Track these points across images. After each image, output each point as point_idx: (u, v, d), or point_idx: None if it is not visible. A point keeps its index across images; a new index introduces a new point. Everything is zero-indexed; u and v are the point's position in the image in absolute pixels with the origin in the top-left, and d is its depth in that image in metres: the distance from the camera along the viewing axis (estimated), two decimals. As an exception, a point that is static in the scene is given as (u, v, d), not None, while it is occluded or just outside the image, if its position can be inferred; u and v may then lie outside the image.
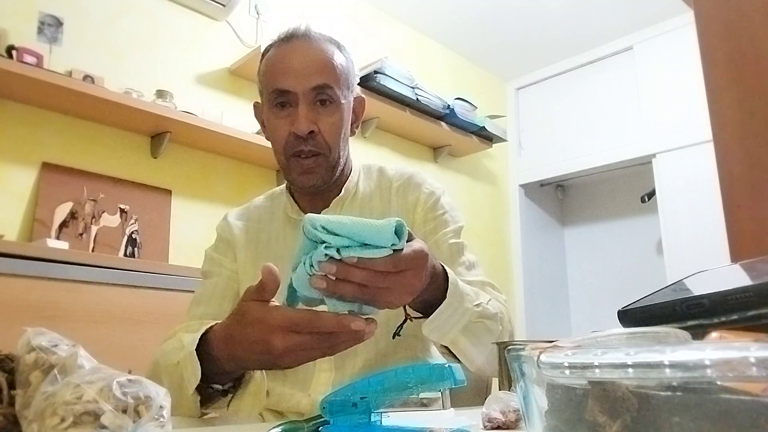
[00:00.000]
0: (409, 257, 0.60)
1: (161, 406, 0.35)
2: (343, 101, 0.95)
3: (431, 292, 0.72)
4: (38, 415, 0.33)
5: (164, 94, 2.06)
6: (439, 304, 0.75)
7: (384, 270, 0.58)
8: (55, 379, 0.36)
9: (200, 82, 2.34)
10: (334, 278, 0.58)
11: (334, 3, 2.91)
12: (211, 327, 0.73)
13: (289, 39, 0.96)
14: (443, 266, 0.77)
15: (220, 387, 0.75)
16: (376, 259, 0.57)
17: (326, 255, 0.56)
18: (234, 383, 0.76)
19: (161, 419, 0.35)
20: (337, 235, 0.56)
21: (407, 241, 0.61)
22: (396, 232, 0.57)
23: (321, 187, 0.96)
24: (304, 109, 0.91)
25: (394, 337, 0.87)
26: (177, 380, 0.75)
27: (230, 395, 0.77)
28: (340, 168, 0.98)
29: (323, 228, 0.56)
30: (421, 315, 0.77)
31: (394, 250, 0.58)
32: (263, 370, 0.78)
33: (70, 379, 0.35)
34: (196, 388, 0.72)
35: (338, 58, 0.96)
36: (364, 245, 0.57)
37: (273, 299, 0.63)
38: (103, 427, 0.32)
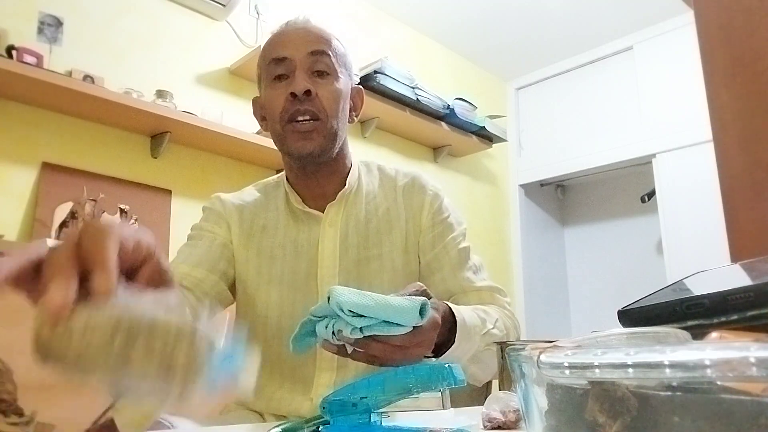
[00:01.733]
0: (424, 332, 0.60)
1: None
2: (340, 76, 0.95)
3: (440, 336, 0.72)
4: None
5: (164, 94, 2.06)
6: (447, 343, 0.75)
7: (401, 344, 0.59)
8: None
9: (200, 82, 2.34)
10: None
11: (334, 3, 2.91)
12: None
13: (287, 24, 0.99)
14: (449, 305, 0.77)
15: None
16: (395, 336, 0.59)
17: (350, 333, 0.58)
18: None
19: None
20: (362, 317, 0.58)
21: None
22: (420, 312, 0.59)
23: (319, 156, 0.93)
24: (301, 73, 0.91)
25: None
26: None
27: None
28: (337, 142, 0.95)
29: (350, 312, 0.57)
30: (431, 355, 0.77)
31: (413, 327, 0.59)
32: None
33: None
34: None
35: (335, 39, 0.97)
36: (386, 322, 0.58)
37: None
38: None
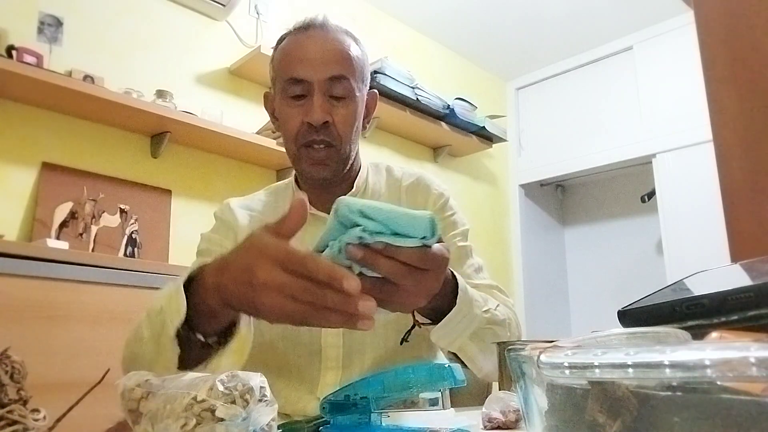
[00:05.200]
0: (435, 255, 0.57)
1: (261, 387, 0.39)
2: (357, 94, 0.94)
3: (441, 298, 0.70)
4: (161, 419, 0.38)
5: (164, 94, 2.06)
6: (448, 310, 0.74)
7: (410, 262, 0.55)
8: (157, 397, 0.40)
9: (200, 82, 2.34)
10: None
11: (334, 3, 2.91)
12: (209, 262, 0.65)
13: (306, 28, 0.95)
14: (452, 271, 0.75)
15: (201, 338, 0.64)
16: (405, 249, 0.54)
17: (359, 238, 0.54)
18: (219, 339, 0.66)
19: (266, 398, 0.39)
20: (372, 219, 0.54)
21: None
22: (431, 226, 0.55)
23: (331, 180, 0.95)
24: (319, 99, 0.90)
25: (402, 343, 0.87)
26: (157, 329, 0.66)
27: (211, 352, 0.66)
28: (350, 162, 0.97)
29: (360, 212, 0.54)
30: (429, 321, 0.76)
31: (423, 245, 0.56)
32: (250, 326, 0.67)
33: (177, 384, 0.39)
34: (178, 339, 0.63)
35: (354, 51, 0.94)
36: (396, 234, 0.54)
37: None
38: (221, 419, 0.36)
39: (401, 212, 0.54)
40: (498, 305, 0.85)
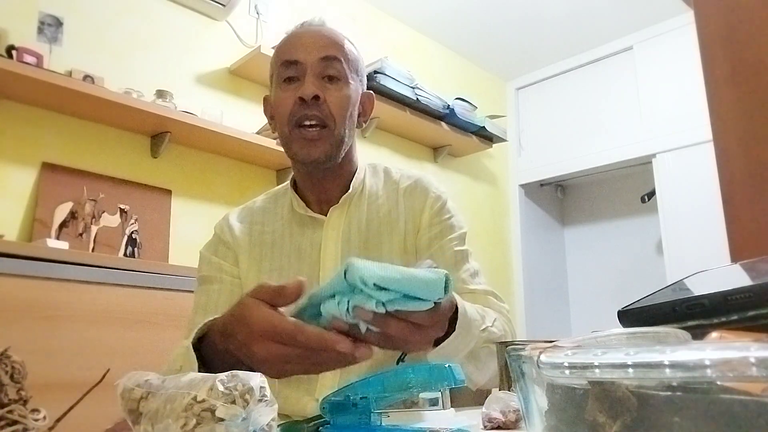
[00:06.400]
0: (443, 311, 0.56)
1: (261, 387, 0.39)
2: (351, 81, 0.95)
3: None
4: (161, 419, 0.38)
5: (164, 94, 2.06)
6: (446, 333, 0.72)
7: (421, 323, 0.55)
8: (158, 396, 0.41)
9: (200, 82, 2.34)
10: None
11: (334, 3, 2.91)
12: (214, 320, 0.67)
13: (302, 25, 0.99)
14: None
15: None
16: (417, 312, 0.54)
17: (371, 310, 0.52)
18: None
19: (266, 398, 0.39)
20: (387, 290, 0.52)
21: None
22: (445, 286, 0.53)
23: (324, 163, 0.93)
24: (311, 77, 0.91)
25: (398, 363, 0.86)
26: None
27: None
28: (344, 150, 0.96)
29: (376, 285, 0.51)
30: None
31: (435, 303, 0.54)
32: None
33: (177, 384, 0.39)
34: None
35: (348, 44, 0.97)
36: (407, 296, 0.53)
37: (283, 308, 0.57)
38: (221, 419, 0.37)
39: (418, 279, 0.52)
40: (495, 320, 0.84)
